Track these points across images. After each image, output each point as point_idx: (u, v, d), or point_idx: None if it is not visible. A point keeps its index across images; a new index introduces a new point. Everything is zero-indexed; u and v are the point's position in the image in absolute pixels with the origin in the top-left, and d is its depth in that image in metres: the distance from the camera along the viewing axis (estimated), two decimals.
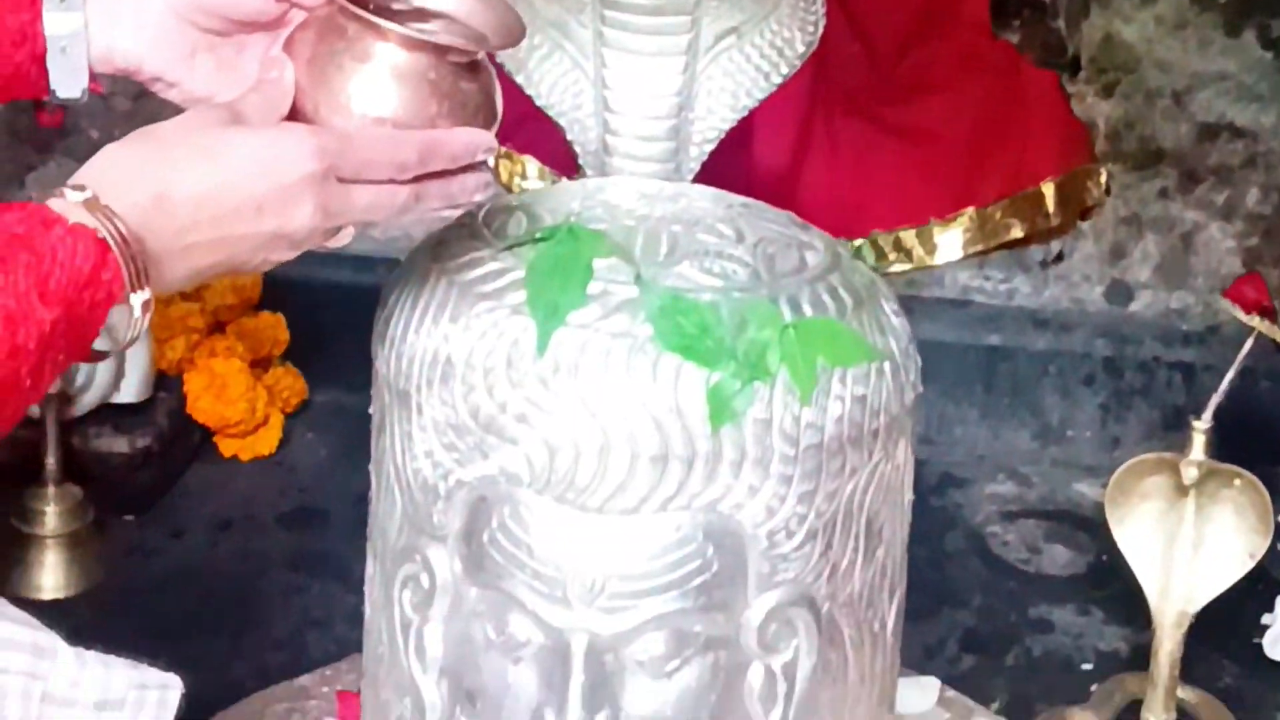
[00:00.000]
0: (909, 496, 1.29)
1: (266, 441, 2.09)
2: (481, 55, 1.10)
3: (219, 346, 2.04)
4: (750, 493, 1.15)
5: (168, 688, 1.05)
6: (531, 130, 1.59)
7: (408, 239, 2.11)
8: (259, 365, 2.13)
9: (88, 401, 1.92)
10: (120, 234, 0.94)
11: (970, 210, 2.33)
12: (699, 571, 1.16)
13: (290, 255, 1.05)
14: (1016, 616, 1.96)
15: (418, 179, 1.06)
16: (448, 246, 1.23)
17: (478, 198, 1.14)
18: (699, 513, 1.15)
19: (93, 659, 1.03)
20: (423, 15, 1.11)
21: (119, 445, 1.95)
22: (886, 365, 1.22)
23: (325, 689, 1.60)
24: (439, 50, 1.06)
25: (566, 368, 1.14)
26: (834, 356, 1.18)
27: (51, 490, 1.82)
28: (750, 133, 2.23)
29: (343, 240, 1.09)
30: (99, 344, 0.97)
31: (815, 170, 2.24)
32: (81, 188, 0.95)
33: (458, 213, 1.16)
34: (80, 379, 1.90)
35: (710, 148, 1.44)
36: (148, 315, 0.97)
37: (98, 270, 0.93)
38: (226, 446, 2.08)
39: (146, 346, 1.96)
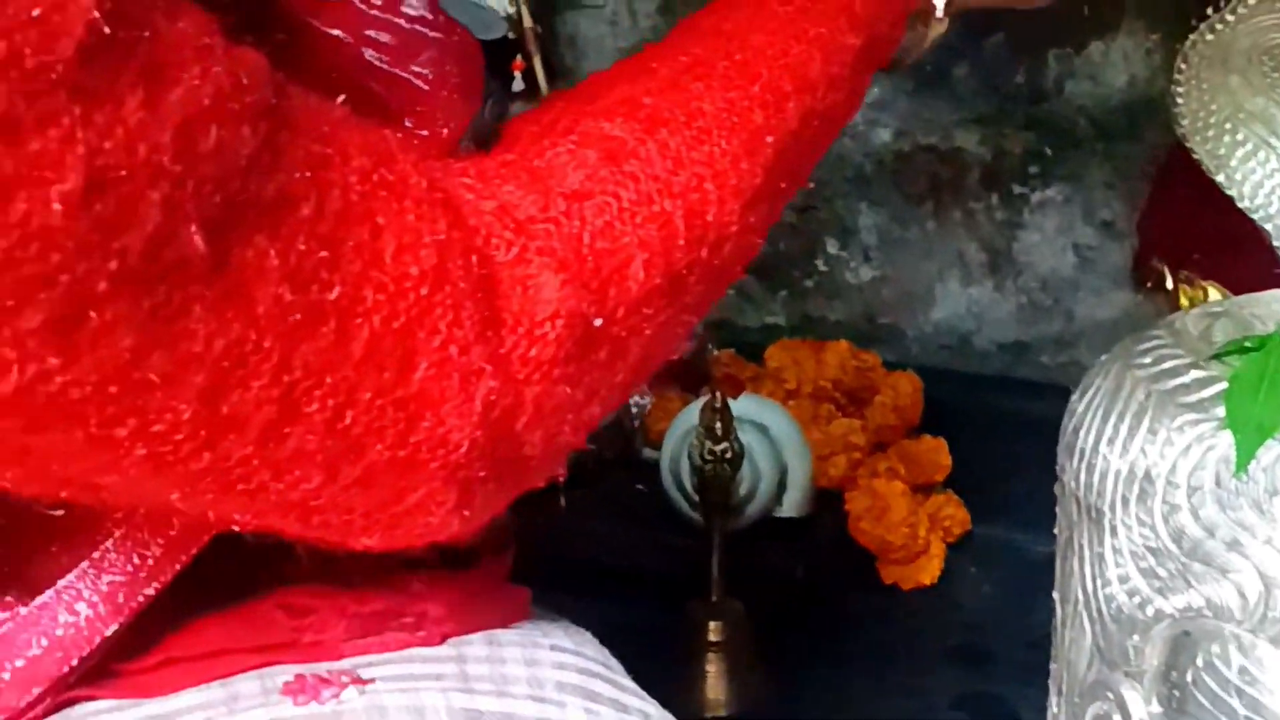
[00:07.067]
0: None
1: (928, 571, 2.01)
2: None
3: (880, 467, 1.98)
4: None
5: None
6: (1216, 253, 1.48)
7: (1078, 368, 2.02)
8: (919, 491, 2.06)
9: (750, 514, 1.90)
10: None
11: None
12: None
13: None
14: None
15: None
16: (1142, 353, 1.13)
17: None
18: None
19: None
20: None
21: (778, 560, 1.92)
22: None
23: None
24: None
25: None
26: None
27: (715, 602, 1.80)
28: None
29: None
30: None
31: None
32: None
33: None
34: (744, 489, 1.88)
35: None
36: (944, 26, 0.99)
37: None
38: (887, 574, 2.01)
39: (807, 461, 1.93)
